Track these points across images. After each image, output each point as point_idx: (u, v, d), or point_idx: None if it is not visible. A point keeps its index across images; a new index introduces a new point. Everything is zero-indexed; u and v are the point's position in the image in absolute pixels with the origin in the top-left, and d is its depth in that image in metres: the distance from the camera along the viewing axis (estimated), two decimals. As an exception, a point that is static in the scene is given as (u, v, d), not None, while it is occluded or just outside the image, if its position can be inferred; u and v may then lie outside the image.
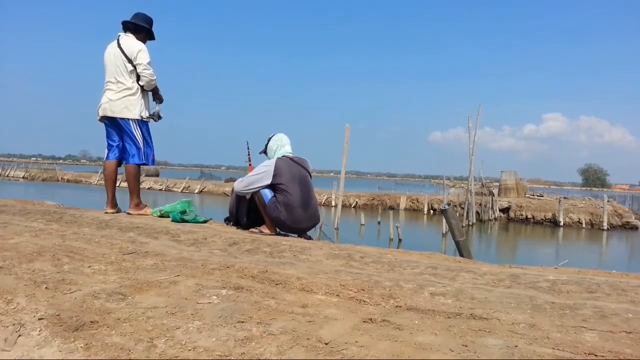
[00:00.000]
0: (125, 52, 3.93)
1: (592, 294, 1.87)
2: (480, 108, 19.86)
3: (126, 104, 3.95)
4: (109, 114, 3.99)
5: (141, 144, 4.00)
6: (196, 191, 35.78)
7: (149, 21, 4.13)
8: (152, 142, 4.09)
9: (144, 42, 4.07)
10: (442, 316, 1.57)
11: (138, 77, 3.97)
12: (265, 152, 3.85)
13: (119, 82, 3.95)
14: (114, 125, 4.04)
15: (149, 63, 3.96)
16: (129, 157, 4.02)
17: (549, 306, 1.69)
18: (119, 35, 4.03)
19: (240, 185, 3.63)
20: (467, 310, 1.62)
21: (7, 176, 44.49)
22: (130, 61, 3.93)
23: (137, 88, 3.99)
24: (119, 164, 4.10)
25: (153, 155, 4.10)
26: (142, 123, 4.02)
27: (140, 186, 4.19)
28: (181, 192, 35.56)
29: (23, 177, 43.87)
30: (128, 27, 4.04)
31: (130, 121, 3.97)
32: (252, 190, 3.58)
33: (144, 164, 4.05)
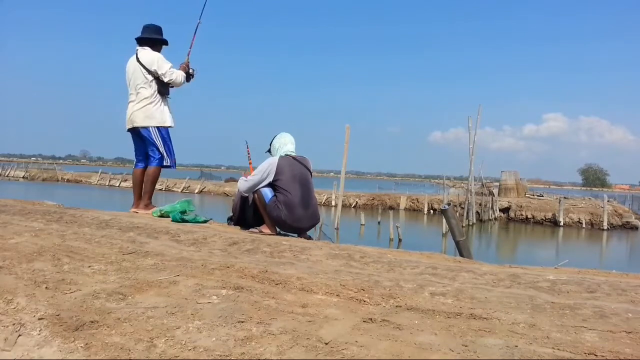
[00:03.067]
0: (144, 64, 4.15)
1: (592, 294, 1.87)
2: (480, 108, 19.88)
3: (146, 113, 4.18)
4: (131, 125, 4.26)
5: (162, 150, 4.25)
6: (196, 191, 35.77)
7: (160, 31, 4.34)
8: (172, 146, 4.33)
9: (160, 50, 4.31)
10: (442, 316, 1.57)
11: (159, 86, 4.19)
12: (269, 151, 3.88)
13: (138, 93, 4.19)
14: (138, 135, 4.29)
15: (171, 67, 4.17)
16: (152, 160, 4.28)
17: (549, 306, 1.69)
18: (137, 50, 4.24)
19: (245, 186, 3.65)
20: (467, 310, 1.62)
21: (7, 176, 44.48)
22: (150, 72, 4.15)
23: (157, 97, 4.20)
24: (145, 171, 4.38)
25: (174, 159, 4.35)
26: (162, 130, 4.24)
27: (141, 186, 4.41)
28: (181, 192, 35.55)
29: (23, 177, 43.87)
30: (144, 42, 4.26)
31: (151, 129, 4.20)
32: (257, 189, 3.61)
33: (166, 166, 4.31)
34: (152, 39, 4.25)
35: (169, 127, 4.29)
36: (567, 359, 1.24)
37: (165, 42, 4.36)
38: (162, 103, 4.24)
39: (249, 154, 4.16)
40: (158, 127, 4.20)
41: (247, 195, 3.71)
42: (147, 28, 4.27)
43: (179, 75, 4.18)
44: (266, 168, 3.58)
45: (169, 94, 4.31)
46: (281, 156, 3.66)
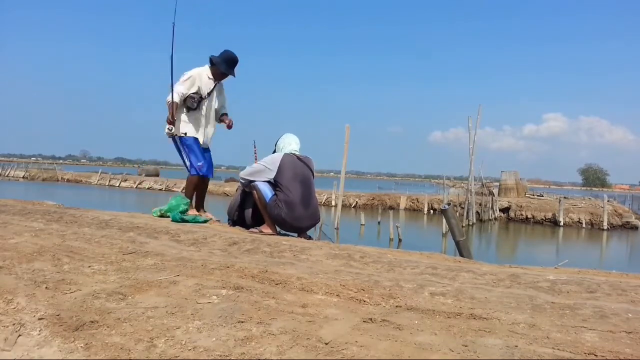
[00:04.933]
0: None
1: (592, 294, 1.87)
2: (480, 108, 19.85)
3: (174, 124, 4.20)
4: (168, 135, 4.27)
5: (185, 157, 4.23)
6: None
7: (222, 57, 4.24)
8: (197, 153, 4.21)
9: (219, 75, 4.24)
10: (442, 316, 1.57)
11: (185, 100, 4.15)
12: (274, 151, 3.92)
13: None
14: None
15: (177, 84, 4.10)
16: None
17: (549, 306, 1.69)
18: None
19: (246, 171, 3.71)
20: (467, 310, 1.62)
21: (7, 176, 44.43)
22: None
23: (183, 110, 4.17)
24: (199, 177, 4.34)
25: (200, 164, 4.22)
26: (183, 139, 4.20)
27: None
28: (181, 191, 35.48)
29: (23, 177, 43.79)
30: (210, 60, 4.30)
31: (175, 138, 4.22)
32: (256, 180, 3.62)
33: (197, 175, 4.22)
34: (211, 61, 4.25)
35: (192, 137, 4.21)
36: (567, 359, 1.24)
37: (229, 71, 4.29)
38: (188, 115, 4.19)
39: (255, 153, 4.22)
40: (180, 137, 4.18)
41: (245, 182, 3.72)
42: (221, 52, 4.30)
43: (168, 100, 4.11)
44: (270, 161, 3.63)
45: (195, 108, 4.18)
46: (286, 153, 3.69)
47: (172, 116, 4.09)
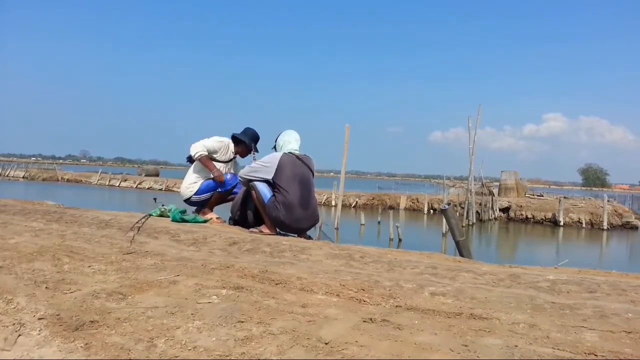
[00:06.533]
0: None
1: (592, 294, 1.87)
2: (480, 108, 19.83)
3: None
4: None
5: (214, 189, 4.27)
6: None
7: (250, 136, 4.41)
8: (210, 184, 4.28)
9: (243, 152, 4.43)
10: (442, 316, 1.57)
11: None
12: (274, 148, 3.90)
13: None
14: None
15: (208, 140, 4.30)
16: None
17: (549, 306, 1.69)
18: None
19: (245, 170, 3.71)
20: (467, 310, 1.62)
21: (7, 176, 44.40)
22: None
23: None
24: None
25: (229, 179, 4.28)
26: (198, 193, 4.30)
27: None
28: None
29: (23, 177, 43.76)
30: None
31: (190, 200, 4.37)
32: (254, 179, 3.61)
33: (230, 187, 4.27)
34: (234, 138, 4.41)
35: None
36: (567, 359, 1.24)
37: (237, 141, 4.41)
38: (201, 178, 4.31)
39: (254, 154, 4.24)
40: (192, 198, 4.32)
41: (244, 181, 3.72)
42: (244, 130, 4.48)
43: (196, 148, 4.25)
44: (268, 160, 3.61)
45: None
46: (285, 153, 3.66)
47: (214, 168, 4.20)
